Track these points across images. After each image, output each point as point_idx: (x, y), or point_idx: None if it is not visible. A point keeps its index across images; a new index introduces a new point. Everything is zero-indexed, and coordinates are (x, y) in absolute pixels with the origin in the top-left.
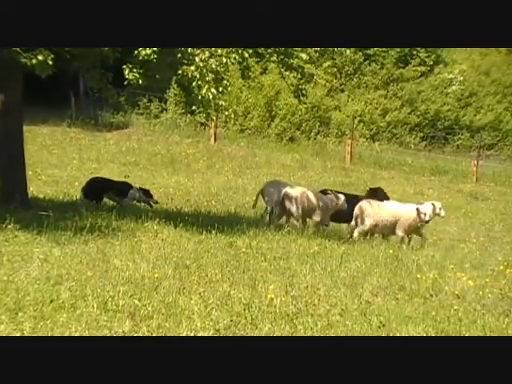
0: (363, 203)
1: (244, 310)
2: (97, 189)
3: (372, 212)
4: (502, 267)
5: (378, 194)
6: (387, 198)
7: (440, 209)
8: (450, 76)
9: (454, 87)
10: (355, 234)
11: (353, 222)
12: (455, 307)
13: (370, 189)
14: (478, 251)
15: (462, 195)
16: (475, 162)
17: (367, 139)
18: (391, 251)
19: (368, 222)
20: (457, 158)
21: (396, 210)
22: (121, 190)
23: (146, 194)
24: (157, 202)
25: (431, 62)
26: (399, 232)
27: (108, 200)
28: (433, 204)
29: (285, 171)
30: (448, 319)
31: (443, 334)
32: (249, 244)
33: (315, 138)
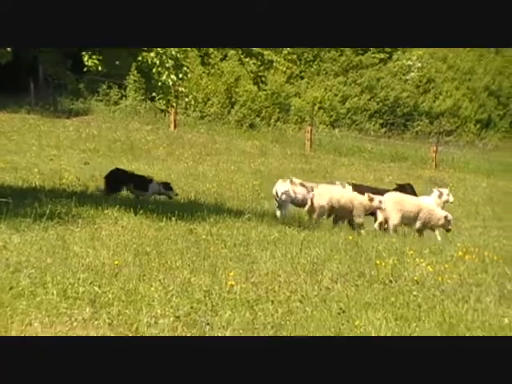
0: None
1: (204, 296)
2: (117, 181)
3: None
4: (460, 253)
5: (406, 190)
6: (415, 194)
7: (448, 195)
8: (409, 62)
9: (412, 74)
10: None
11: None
12: (414, 293)
13: (398, 185)
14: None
15: (422, 181)
16: (434, 148)
17: (327, 126)
18: (351, 238)
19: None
20: (416, 144)
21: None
22: (141, 183)
23: (166, 186)
24: (177, 195)
25: (389, 49)
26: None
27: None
28: (439, 191)
29: (245, 158)
30: (407, 305)
31: (402, 320)
32: (209, 231)
33: (275, 125)
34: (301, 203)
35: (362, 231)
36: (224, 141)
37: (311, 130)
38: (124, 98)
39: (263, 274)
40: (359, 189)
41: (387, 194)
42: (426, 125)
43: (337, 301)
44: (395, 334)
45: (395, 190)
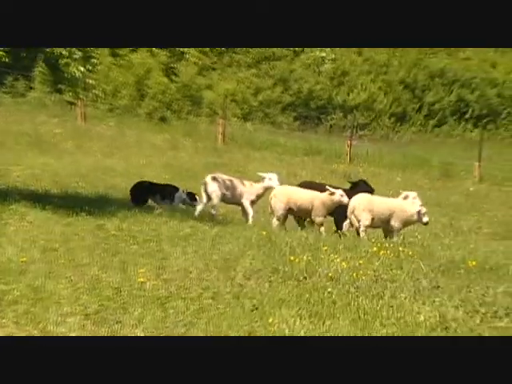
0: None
1: (114, 294)
2: (143, 192)
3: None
4: (375, 249)
5: (360, 187)
6: (370, 190)
7: (414, 198)
8: (322, 54)
9: (326, 66)
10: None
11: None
12: (329, 289)
13: (351, 183)
14: (351, 233)
15: (336, 176)
16: (348, 142)
17: (239, 119)
18: (264, 233)
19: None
20: (330, 138)
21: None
22: (167, 193)
23: (192, 197)
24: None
25: None
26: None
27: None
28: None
29: (155, 152)
30: (322, 302)
31: (317, 317)
32: (118, 226)
33: (187, 118)
34: (233, 201)
35: (322, 229)
36: (134, 134)
37: (223, 123)
38: (31, 90)
39: (174, 271)
40: (311, 186)
41: (357, 196)
42: (340, 118)
43: (250, 298)
44: (309, 332)
45: (351, 188)
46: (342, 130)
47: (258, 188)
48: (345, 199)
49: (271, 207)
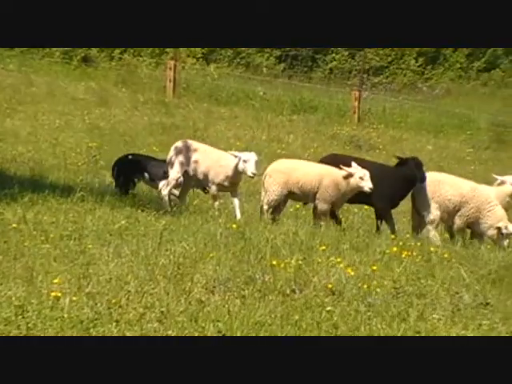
0: None
1: (16, 314)
2: (127, 171)
3: None
4: (395, 249)
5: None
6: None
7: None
8: None
9: None
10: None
11: None
12: (329, 308)
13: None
14: (362, 225)
15: (338, 143)
16: (356, 93)
17: (198, 60)
18: (235, 226)
19: None
20: (330, 88)
21: None
22: (158, 170)
23: None
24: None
25: None
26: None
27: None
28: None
29: (76, 108)
30: (318, 325)
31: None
32: (23, 217)
33: (121, 58)
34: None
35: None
36: (44, 82)
37: (175, 67)
38: None
39: (104, 281)
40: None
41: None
42: (344, 59)
43: (214, 320)
44: None
45: (397, 165)
46: (347, 77)
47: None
48: (366, 184)
49: (264, 190)
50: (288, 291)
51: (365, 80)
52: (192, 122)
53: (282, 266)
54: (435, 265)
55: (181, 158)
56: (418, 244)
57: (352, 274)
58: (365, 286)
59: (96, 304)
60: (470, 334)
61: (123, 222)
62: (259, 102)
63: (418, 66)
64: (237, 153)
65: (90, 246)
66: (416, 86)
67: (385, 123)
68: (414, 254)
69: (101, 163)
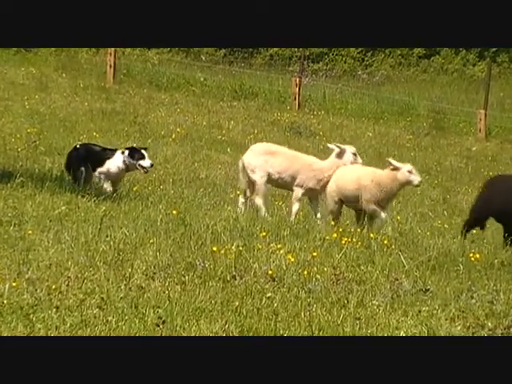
0: None
1: None
2: (77, 161)
3: None
4: (335, 235)
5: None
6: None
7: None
8: None
9: None
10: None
11: None
12: (269, 294)
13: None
14: (302, 211)
15: (279, 129)
16: (297, 80)
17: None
18: (175, 212)
19: None
20: (270, 74)
21: None
22: (101, 159)
23: (136, 153)
24: (151, 166)
25: None
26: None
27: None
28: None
29: (15, 93)
30: (258, 312)
31: (252, 333)
32: None
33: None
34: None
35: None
36: None
37: (115, 52)
38: None
39: (44, 267)
40: None
41: None
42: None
43: (154, 306)
44: None
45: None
46: (288, 63)
47: None
48: (415, 178)
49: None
50: (228, 277)
51: (305, 66)
52: (132, 107)
53: (223, 252)
54: (375, 251)
55: (262, 161)
56: (358, 230)
57: (292, 260)
58: (305, 273)
59: (36, 290)
60: (409, 320)
61: (63, 207)
62: (200, 88)
63: (358, 53)
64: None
65: (29, 232)
66: (356, 72)
67: (325, 110)
68: (354, 240)
69: (41, 149)
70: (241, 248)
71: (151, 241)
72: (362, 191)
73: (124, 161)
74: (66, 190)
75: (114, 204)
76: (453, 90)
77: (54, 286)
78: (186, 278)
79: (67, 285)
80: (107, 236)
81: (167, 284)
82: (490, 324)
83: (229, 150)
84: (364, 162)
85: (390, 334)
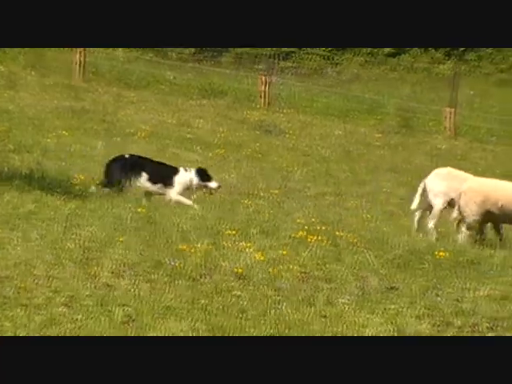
0: None
1: None
2: (122, 170)
3: None
4: (302, 233)
5: None
6: None
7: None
8: None
9: None
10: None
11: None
12: (237, 293)
13: None
14: (270, 210)
15: (247, 127)
16: (265, 78)
17: None
18: (143, 211)
19: None
20: (239, 72)
21: None
22: (161, 174)
23: (204, 175)
24: (219, 187)
25: None
26: None
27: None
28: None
29: None
30: (227, 310)
31: (220, 332)
32: None
33: None
34: None
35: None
36: None
37: (84, 50)
38: None
39: (11, 266)
40: None
41: None
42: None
43: (121, 304)
44: None
45: None
46: (256, 61)
47: None
48: None
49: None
50: (197, 276)
51: (274, 65)
52: (101, 105)
53: (192, 250)
54: (342, 249)
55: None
56: (325, 228)
57: (261, 258)
58: (273, 271)
59: (4, 288)
60: (376, 318)
61: (31, 205)
62: (169, 86)
63: (327, 51)
64: None
65: None
66: (325, 70)
67: (294, 108)
68: (320, 238)
69: (9, 147)
70: (209, 246)
71: (120, 239)
72: None
73: (191, 179)
74: (34, 188)
75: (81, 202)
76: (421, 88)
77: (21, 285)
78: (155, 275)
79: (35, 283)
80: (74, 234)
81: (135, 282)
82: (458, 322)
83: (197, 148)
84: (333, 160)
85: (357, 332)
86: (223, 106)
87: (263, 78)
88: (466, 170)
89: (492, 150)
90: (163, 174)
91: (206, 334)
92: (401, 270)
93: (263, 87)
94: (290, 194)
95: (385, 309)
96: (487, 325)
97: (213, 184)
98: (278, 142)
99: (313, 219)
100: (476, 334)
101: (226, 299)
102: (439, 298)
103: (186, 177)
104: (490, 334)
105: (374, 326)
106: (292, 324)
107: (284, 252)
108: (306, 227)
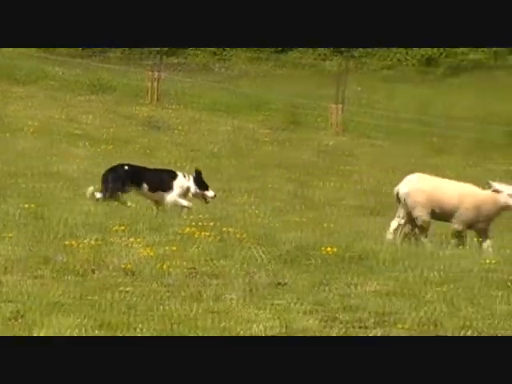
0: None
1: None
2: (120, 179)
3: None
4: (189, 229)
5: None
6: None
7: None
8: None
9: None
10: None
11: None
12: (127, 288)
13: None
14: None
15: (136, 123)
16: (154, 74)
17: None
18: (31, 206)
19: None
20: (128, 68)
21: None
22: (160, 180)
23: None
24: (214, 197)
25: None
26: None
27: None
28: None
29: None
30: (115, 306)
31: (109, 328)
32: None
33: None
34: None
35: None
36: None
37: None
38: None
39: None
40: None
41: None
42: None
43: (9, 300)
44: None
45: None
46: (145, 57)
47: None
48: None
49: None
50: (85, 272)
51: (162, 60)
52: None
53: (79, 246)
54: (230, 245)
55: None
56: (213, 224)
57: (150, 254)
58: (162, 267)
59: None
60: (264, 314)
61: None
62: (57, 81)
63: (215, 48)
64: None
65: None
66: (213, 66)
67: (183, 104)
68: (208, 234)
69: None
70: (98, 242)
71: (8, 235)
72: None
73: (188, 187)
74: None
75: None
76: (309, 84)
77: None
78: (43, 271)
79: None
80: None
81: (24, 278)
82: (345, 317)
83: (86, 143)
84: (222, 156)
85: (245, 328)
86: (112, 102)
87: (151, 73)
88: (353, 166)
89: (379, 145)
90: (162, 181)
91: (94, 330)
92: (289, 266)
93: (151, 83)
94: None
95: (272, 304)
96: (374, 320)
97: (210, 193)
98: (167, 137)
99: (200, 215)
100: (363, 330)
101: (115, 295)
102: (326, 294)
103: (184, 183)
104: (376, 329)
105: (262, 322)
106: (180, 320)
107: (172, 248)
108: (193, 223)
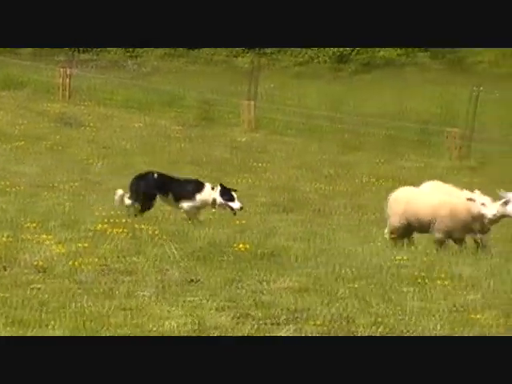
0: None
1: None
2: (149, 188)
3: None
4: (103, 225)
5: None
6: None
7: None
8: None
9: None
10: None
11: None
12: (38, 285)
13: None
14: (70, 202)
15: (47, 119)
16: (64, 70)
17: None
18: None
19: None
20: (39, 64)
21: None
22: (186, 191)
23: (228, 194)
24: (241, 209)
25: None
26: None
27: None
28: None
29: None
30: (27, 303)
31: (21, 325)
32: None
33: None
34: None
35: None
36: None
37: None
38: None
39: None
40: None
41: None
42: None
43: None
44: None
45: None
46: (56, 53)
47: None
48: (489, 211)
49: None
50: None
51: (73, 57)
52: None
53: None
54: (143, 242)
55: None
56: (124, 220)
57: (61, 250)
58: (75, 263)
59: None
60: (177, 310)
61: None
62: None
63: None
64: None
65: None
66: (125, 63)
67: (95, 100)
68: (121, 230)
69: None
70: (10, 238)
71: None
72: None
73: (214, 198)
74: None
75: None
76: (221, 81)
77: None
78: None
79: None
80: None
81: None
82: (258, 314)
83: None
84: (134, 153)
85: (157, 325)
86: (23, 98)
87: (63, 70)
88: (266, 163)
89: (292, 142)
90: (188, 191)
91: (5, 328)
92: (201, 263)
93: (63, 79)
94: (90, 186)
95: (185, 301)
96: (286, 316)
97: (235, 205)
98: (78, 134)
99: (112, 212)
100: (275, 326)
101: (26, 292)
102: (239, 290)
103: (210, 195)
104: (289, 326)
105: (175, 318)
106: (93, 317)
107: (84, 244)
108: (106, 220)
